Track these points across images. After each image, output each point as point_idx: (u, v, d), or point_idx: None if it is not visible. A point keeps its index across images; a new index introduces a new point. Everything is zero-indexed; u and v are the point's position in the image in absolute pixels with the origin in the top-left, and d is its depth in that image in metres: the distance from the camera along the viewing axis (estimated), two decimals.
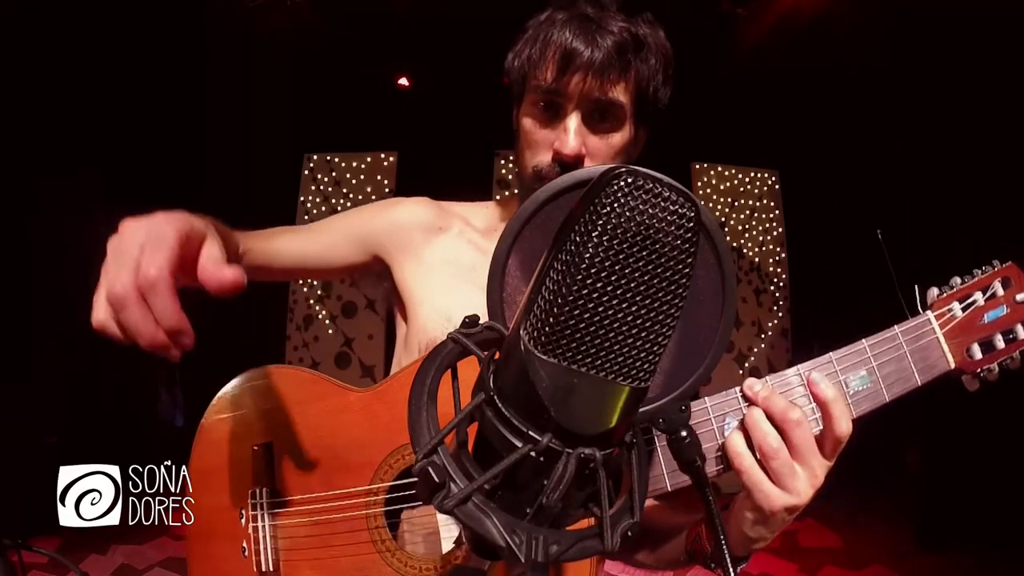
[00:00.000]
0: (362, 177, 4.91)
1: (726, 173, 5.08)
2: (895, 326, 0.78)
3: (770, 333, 4.94)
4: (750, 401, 0.70)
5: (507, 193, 4.67)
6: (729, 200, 5.06)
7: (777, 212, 5.10)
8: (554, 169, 0.90)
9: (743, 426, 0.69)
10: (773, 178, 5.12)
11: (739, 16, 3.88)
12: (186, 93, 4.31)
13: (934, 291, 0.81)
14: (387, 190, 4.89)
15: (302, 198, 4.91)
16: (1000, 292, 0.81)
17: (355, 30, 4.05)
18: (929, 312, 0.79)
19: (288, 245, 1.05)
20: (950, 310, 0.79)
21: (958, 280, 0.82)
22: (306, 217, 4.89)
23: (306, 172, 4.93)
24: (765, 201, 5.10)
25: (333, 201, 4.91)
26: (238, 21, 3.75)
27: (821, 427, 0.70)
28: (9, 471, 3.59)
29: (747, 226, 5.07)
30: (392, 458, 0.88)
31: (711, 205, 5.00)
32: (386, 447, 0.88)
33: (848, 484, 4.29)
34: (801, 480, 0.68)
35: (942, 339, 0.78)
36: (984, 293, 0.80)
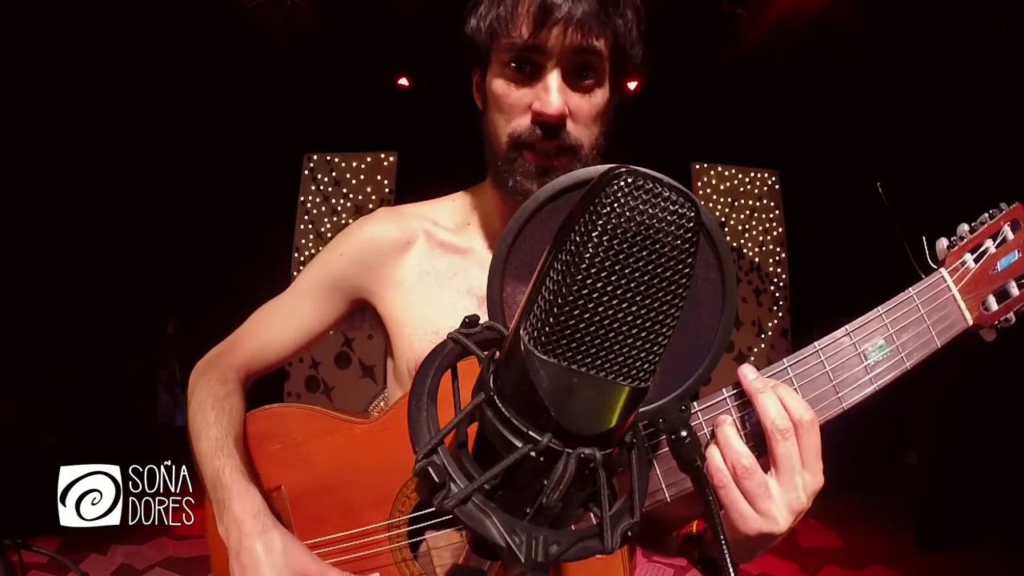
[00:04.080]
0: (362, 177, 4.91)
1: (726, 173, 5.08)
2: (910, 288, 0.74)
3: (770, 333, 4.94)
4: (749, 395, 0.66)
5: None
6: (729, 200, 5.06)
7: (777, 212, 5.10)
8: (535, 132, 0.83)
9: (720, 438, 0.65)
10: (773, 178, 5.12)
11: (739, 16, 3.88)
12: (186, 93, 4.31)
13: (943, 242, 0.77)
14: (387, 190, 4.89)
15: (302, 198, 4.91)
16: (1010, 236, 0.77)
17: (355, 30, 4.05)
18: (943, 269, 0.75)
19: (282, 338, 1.03)
20: (963, 263, 0.75)
21: (966, 228, 0.77)
22: (306, 217, 4.89)
23: (306, 172, 4.93)
24: (765, 201, 5.10)
25: (333, 201, 4.92)
26: (238, 21, 3.75)
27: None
28: (9, 471, 3.59)
29: (747, 226, 5.07)
30: (408, 488, 0.85)
31: (711, 205, 5.00)
32: (400, 477, 0.85)
33: (848, 484, 4.31)
34: (776, 504, 0.62)
35: (958, 296, 0.74)
36: (995, 240, 0.76)
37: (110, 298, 4.40)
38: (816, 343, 0.71)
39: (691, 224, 0.30)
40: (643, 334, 0.32)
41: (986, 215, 0.78)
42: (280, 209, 4.84)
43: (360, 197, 4.90)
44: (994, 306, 0.75)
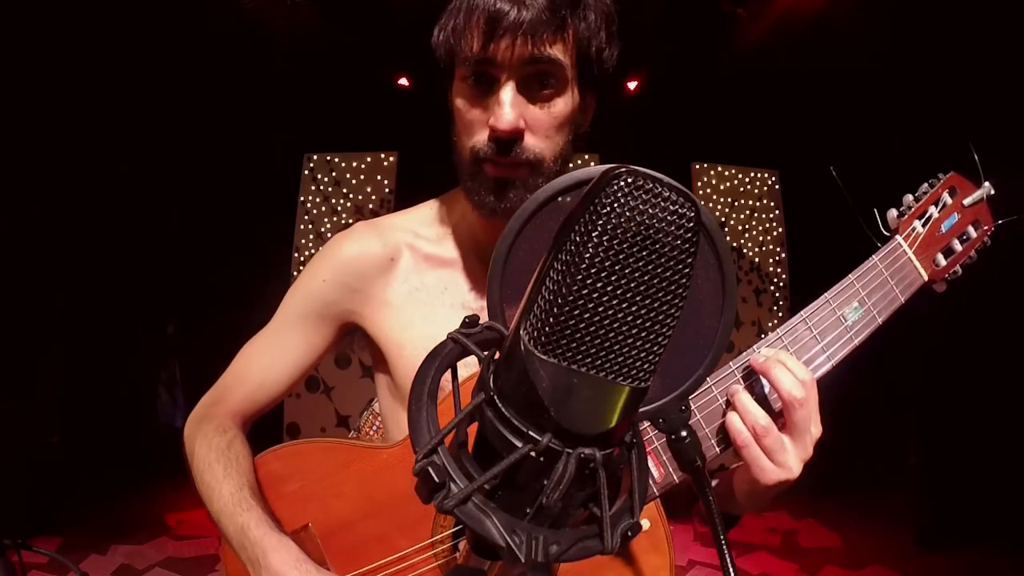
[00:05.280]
0: (362, 177, 4.92)
1: (726, 173, 5.08)
2: (873, 255, 0.86)
3: (770, 333, 4.94)
4: (761, 372, 0.76)
5: None
6: (729, 200, 5.06)
7: (777, 212, 5.10)
8: (491, 147, 0.82)
9: (738, 405, 0.75)
10: (773, 178, 5.12)
11: (739, 16, 3.88)
12: (186, 93, 4.31)
13: (893, 212, 0.89)
14: (387, 190, 4.89)
15: (302, 198, 4.91)
16: (949, 201, 0.90)
17: (355, 30, 4.05)
18: (898, 236, 0.88)
19: (274, 378, 0.99)
20: (913, 229, 0.88)
21: (911, 198, 0.90)
22: (306, 217, 4.89)
23: (306, 172, 4.93)
24: (765, 201, 5.10)
25: (333, 201, 4.92)
26: (238, 21, 3.75)
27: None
28: (9, 471, 3.59)
29: (747, 226, 5.07)
30: None
31: (711, 205, 5.00)
32: None
33: (848, 484, 4.31)
34: (791, 455, 0.73)
35: (912, 258, 0.87)
36: (936, 206, 0.90)
37: (110, 298, 4.41)
38: (801, 312, 0.84)
39: (691, 224, 0.30)
40: (643, 334, 0.32)
41: (926, 185, 0.91)
42: (280, 209, 4.84)
43: (360, 197, 4.90)
44: (943, 261, 0.89)
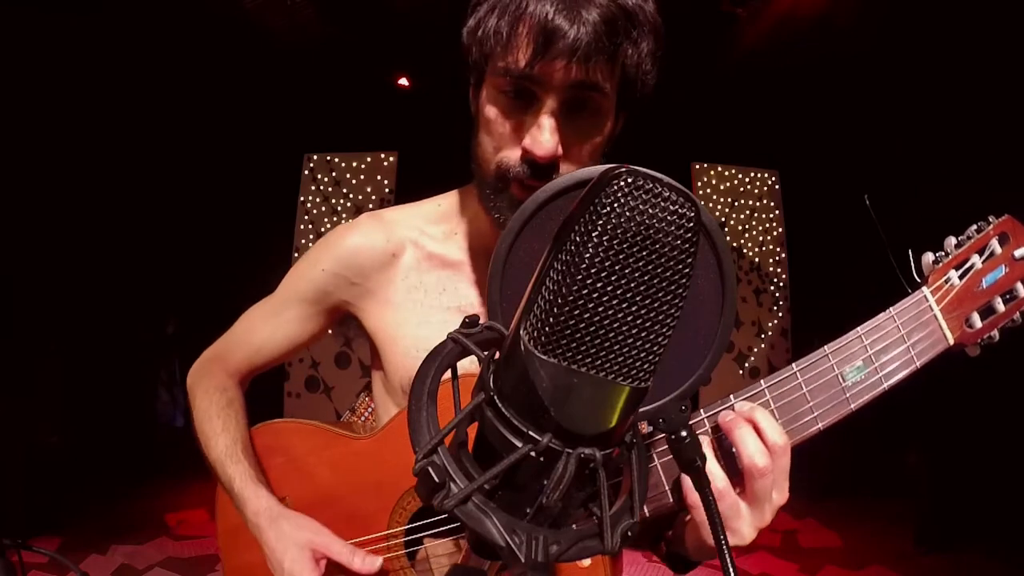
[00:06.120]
0: (362, 177, 4.92)
1: (726, 173, 5.08)
2: (891, 308, 0.73)
3: (770, 333, 4.94)
4: (726, 430, 0.67)
5: None
6: (729, 200, 5.06)
7: (777, 212, 5.10)
8: (523, 169, 0.76)
9: None
10: (773, 178, 5.12)
11: (739, 16, 3.88)
12: (186, 93, 4.31)
13: (929, 257, 0.76)
14: (387, 190, 4.89)
15: (302, 198, 4.91)
16: (998, 250, 0.75)
17: (355, 30, 4.05)
18: (925, 288, 0.74)
19: (271, 346, 1.03)
20: (947, 280, 0.74)
21: (953, 242, 0.76)
22: (306, 217, 4.89)
23: (306, 172, 4.93)
24: (765, 201, 5.10)
25: (333, 201, 4.92)
26: (238, 21, 3.75)
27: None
28: (9, 471, 3.59)
29: (747, 226, 5.07)
30: (404, 500, 0.89)
31: (711, 205, 5.00)
32: (397, 490, 0.89)
33: (848, 484, 4.31)
34: (745, 523, 0.66)
35: (939, 316, 0.73)
36: (981, 255, 0.74)
37: (110, 297, 4.41)
38: (794, 364, 0.72)
39: (691, 224, 0.30)
40: (643, 334, 0.32)
41: (973, 228, 0.76)
42: (280, 209, 4.84)
43: (360, 197, 4.90)
44: (978, 323, 0.74)
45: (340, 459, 0.93)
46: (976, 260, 0.74)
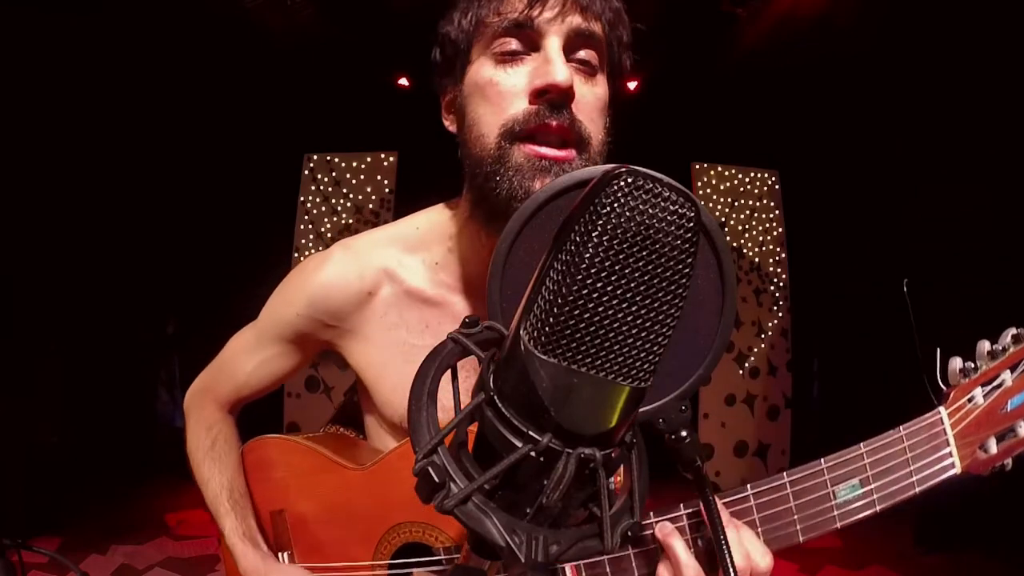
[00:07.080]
0: (362, 177, 4.91)
1: (726, 173, 5.07)
2: (900, 427, 0.66)
3: (770, 333, 4.93)
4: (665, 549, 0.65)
5: None
6: (729, 200, 5.05)
7: (777, 212, 5.09)
8: (537, 114, 0.72)
9: (671, 555, 0.65)
10: (773, 178, 5.11)
11: (739, 16, 3.87)
12: (186, 93, 4.31)
13: (956, 364, 0.67)
14: (387, 190, 4.88)
15: (302, 198, 4.91)
16: None
17: (355, 30, 4.05)
18: (943, 409, 0.67)
19: (257, 378, 1.02)
20: (971, 399, 0.66)
21: (986, 348, 0.67)
22: (306, 217, 4.89)
23: (306, 172, 4.93)
24: (765, 201, 5.10)
25: (333, 201, 4.91)
26: (238, 21, 3.75)
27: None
28: (9, 471, 3.59)
29: (747, 226, 5.06)
30: (389, 535, 0.90)
31: (711, 205, 5.00)
32: (386, 523, 0.90)
33: None
34: None
35: (952, 441, 0.66)
36: (1013, 371, 0.65)
37: (110, 297, 4.41)
38: (786, 473, 0.68)
39: (691, 224, 0.30)
40: (643, 334, 0.32)
41: (1010, 337, 0.67)
42: (280, 209, 4.84)
43: (360, 197, 4.90)
44: (993, 449, 0.66)
45: (334, 486, 0.96)
46: (1007, 377, 0.66)
